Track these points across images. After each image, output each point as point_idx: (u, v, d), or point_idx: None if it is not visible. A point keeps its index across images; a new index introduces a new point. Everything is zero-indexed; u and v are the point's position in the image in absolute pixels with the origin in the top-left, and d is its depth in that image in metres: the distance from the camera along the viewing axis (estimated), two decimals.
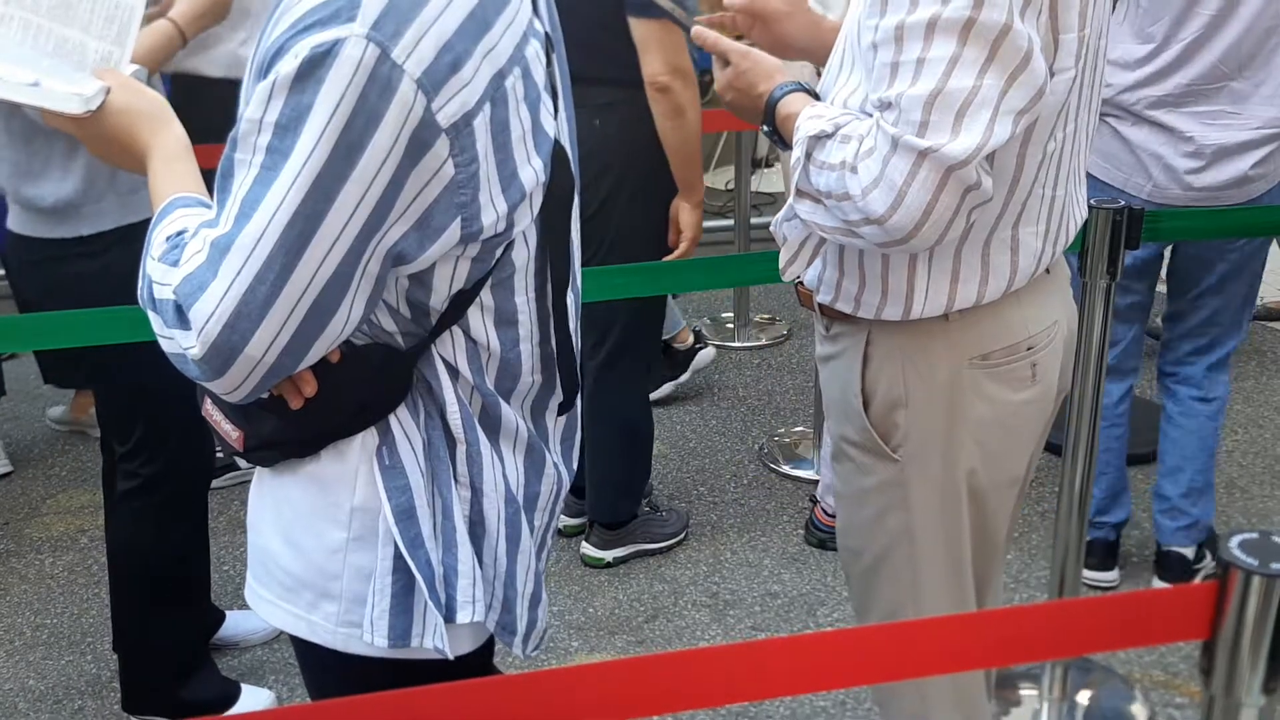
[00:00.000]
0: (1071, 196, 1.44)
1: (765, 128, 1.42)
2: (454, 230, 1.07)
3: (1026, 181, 1.34)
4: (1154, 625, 1.06)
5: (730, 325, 4.48)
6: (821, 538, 3.02)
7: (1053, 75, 1.27)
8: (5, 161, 2.10)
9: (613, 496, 2.99)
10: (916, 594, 1.54)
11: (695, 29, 1.47)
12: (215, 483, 3.32)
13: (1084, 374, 2.17)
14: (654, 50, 2.47)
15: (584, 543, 3.03)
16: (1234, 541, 1.04)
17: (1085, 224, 2.09)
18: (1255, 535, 1.06)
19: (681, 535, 3.10)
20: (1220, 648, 1.06)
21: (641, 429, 2.98)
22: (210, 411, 1.23)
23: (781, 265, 1.44)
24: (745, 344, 4.29)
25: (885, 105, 1.22)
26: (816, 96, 1.40)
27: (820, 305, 1.51)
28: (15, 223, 2.17)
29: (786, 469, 3.44)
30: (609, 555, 3.01)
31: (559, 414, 1.28)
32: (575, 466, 1.40)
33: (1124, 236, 2.08)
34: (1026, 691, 2.47)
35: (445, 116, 1.01)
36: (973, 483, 1.48)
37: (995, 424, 1.45)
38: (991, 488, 1.49)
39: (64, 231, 2.12)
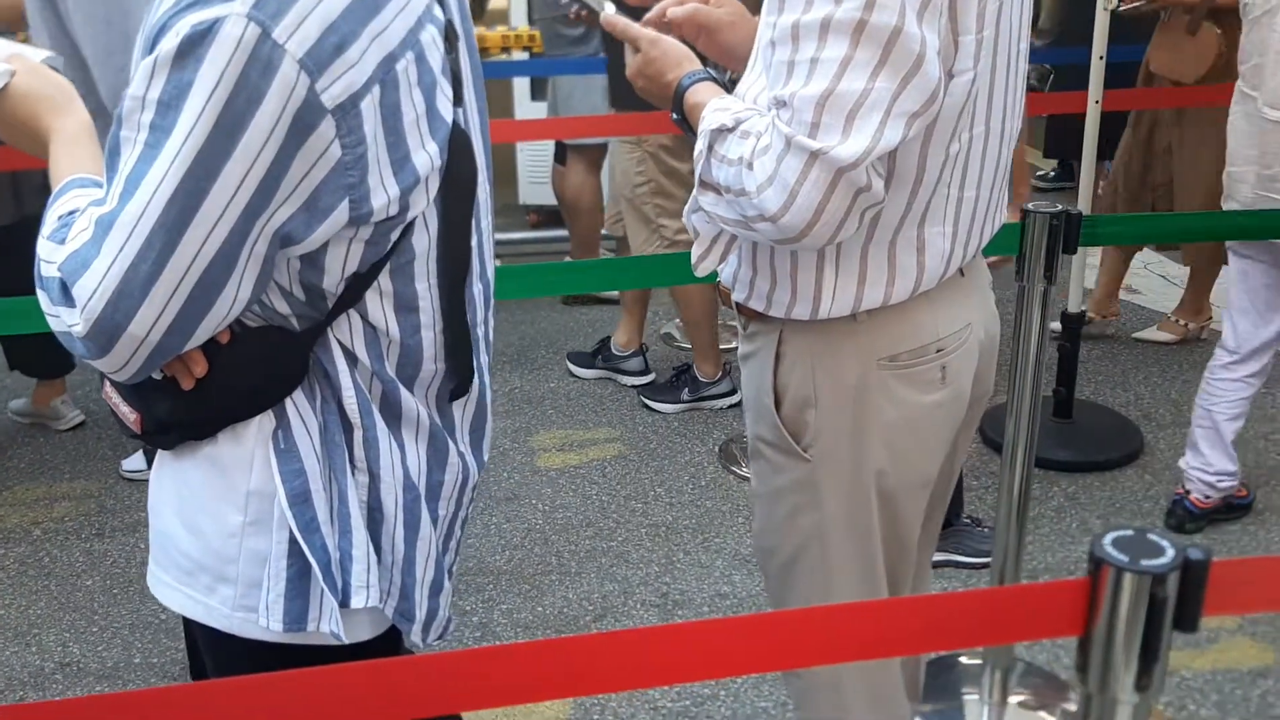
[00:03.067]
0: (986, 198, 1.45)
1: (675, 116, 1.44)
2: (342, 212, 1.07)
3: (930, 181, 1.35)
4: (1028, 621, 1.07)
5: None
6: (1180, 520, 3.02)
7: (952, 77, 1.28)
8: None
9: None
10: (829, 594, 1.55)
11: (604, 16, 1.48)
12: None
13: (1021, 377, 2.18)
14: None
15: None
16: (1108, 538, 1.05)
17: (1023, 228, 2.11)
18: (1130, 532, 1.06)
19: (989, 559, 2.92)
20: (1094, 645, 1.07)
21: None
22: (109, 393, 1.23)
23: (694, 260, 1.45)
24: None
25: (780, 104, 1.23)
26: (725, 86, 1.41)
27: (737, 303, 1.52)
28: None
29: (745, 471, 3.45)
30: None
31: (451, 399, 1.28)
32: (486, 456, 1.40)
33: (1061, 241, 2.09)
34: (967, 695, 2.48)
35: (330, 97, 1.02)
36: (882, 484, 1.48)
37: (904, 425, 1.45)
38: (902, 489, 1.50)
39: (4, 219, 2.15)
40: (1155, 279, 4.83)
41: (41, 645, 2.72)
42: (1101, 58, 3.22)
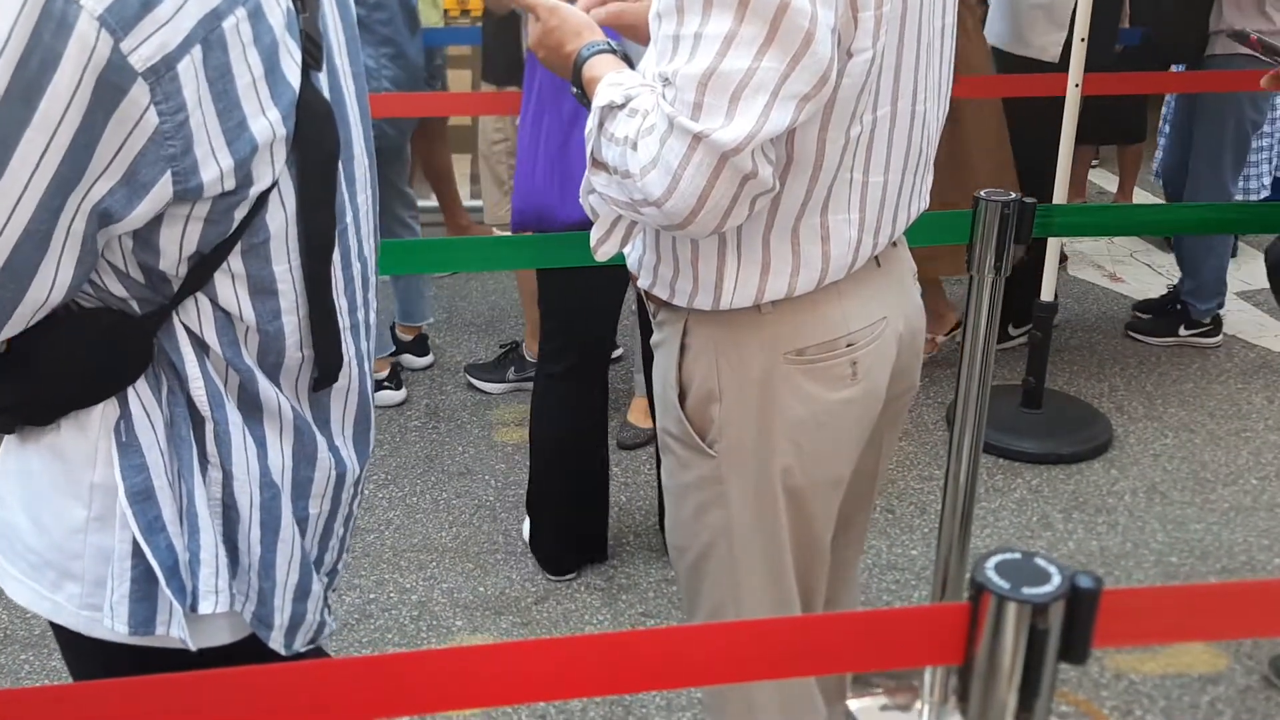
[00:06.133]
0: (898, 184, 1.36)
1: (574, 90, 1.36)
2: (165, 186, 0.98)
3: (830, 166, 1.27)
4: (907, 646, 1.00)
5: None
6: None
7: (850, 56, 1.20)
8: None
9: None
10: (737, 593, 1.48)
11: None
12: None
13: (969, 371, 2.11)
14: None
15: None
16: (990, 563, 0.98)
17: (973, 217, 2.03)
18: (1017, 556, 0.99)
19: None
20: (975, 675, 1.00)
21: None
22: None
23: (593, 243, 1.37)
24: None
25: (665, 81, 1.15)
26: (627, 59, 1.33)
27: (644, 291, 1.45)
28: None
29: None
30: None
31: (315, 389, 1.20)
32: (369, 450, 1.32)
33: (1013, 231, 2.01)
34: (908, 693, 2.43)
35: (140, 59, 0.93)
36: (789, 482, 1.41)
37: (811, 422, 1.38)
38: (810, 488, 1.42)
39: None
40: (1141, 268, 4.74)
41: None
42: (1083, 40, 3.12)
